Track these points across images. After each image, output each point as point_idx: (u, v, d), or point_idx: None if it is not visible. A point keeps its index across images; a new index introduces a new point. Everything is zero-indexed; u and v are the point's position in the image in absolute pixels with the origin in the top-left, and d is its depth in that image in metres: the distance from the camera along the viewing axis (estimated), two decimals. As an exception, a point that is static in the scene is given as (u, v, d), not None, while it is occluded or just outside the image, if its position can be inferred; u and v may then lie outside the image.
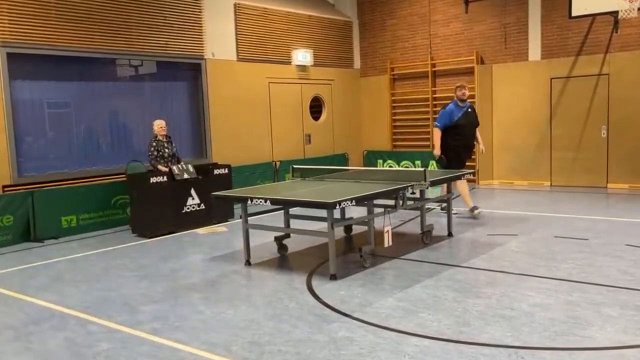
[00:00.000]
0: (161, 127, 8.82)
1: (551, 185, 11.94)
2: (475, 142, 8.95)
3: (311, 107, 13.41)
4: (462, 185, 8.78)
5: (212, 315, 4.85)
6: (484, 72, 12.52)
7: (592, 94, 11.35)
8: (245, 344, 4.19)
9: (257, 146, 12.04)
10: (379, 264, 6.23)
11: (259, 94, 12.06)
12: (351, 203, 5.65)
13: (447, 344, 4.04)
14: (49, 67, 9.09)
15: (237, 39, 11.59)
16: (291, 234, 7.02)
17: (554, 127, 11.84)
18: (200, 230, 8.63)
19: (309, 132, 13.31)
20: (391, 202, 6.45)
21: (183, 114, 11.01)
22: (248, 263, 6.48)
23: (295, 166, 8.06)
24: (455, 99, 8.80)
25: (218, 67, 11.23)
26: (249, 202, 6.04)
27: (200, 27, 10.91)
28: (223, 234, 8.37)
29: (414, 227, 8.05)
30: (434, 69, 13.35)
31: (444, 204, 8.71)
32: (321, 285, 5.55)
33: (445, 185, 8.17)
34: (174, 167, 8.65)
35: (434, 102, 13.41)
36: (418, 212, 7.64)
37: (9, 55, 8.44)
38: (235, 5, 11.53)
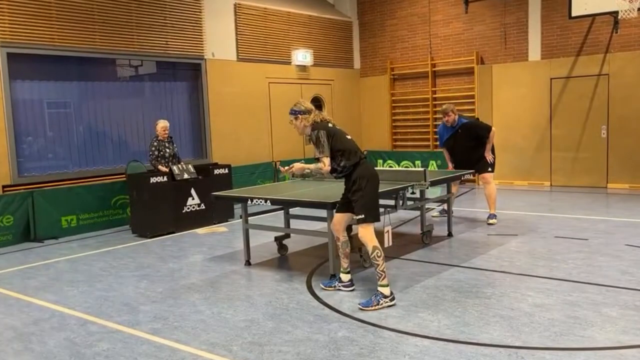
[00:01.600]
0: (164, 129, 8.80)
1: (551, 185, 11.94)
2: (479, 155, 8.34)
3: (311, 107, 13.39)
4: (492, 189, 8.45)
5: (212, 315, 4.85)
6: (484, 72, 12.52)
7: (592, 94, 11.35)
8: (245, 344, 4.19)
9: (257, 146, 12.04)
10: (379, 264, 6.22)
11: (259, 94, 12.06)
12: (351, 203, 5.64)
13: (447, 344, 4.04)
14: (49, 67, 9.09)
15: (237, 39, 11.59)
16: (291, 234, 7.02)
17: (554, 127, 11.84)
18: (200, 230, 8.63)
19: (309, 132, 13.29)
20: (391, 202, 6.45)
21: (183, 114, 11.01)
22: (248, 263, 6.48)
23: (295, 166, 8.04)
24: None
25: (218, 67, 11.23)
26: (249, 202, 6.04)
27: (200, 27, 10.91)
28: (223, 234, 8.37)
29: (414, 227, 8.05)
30: (434, 69, 13.35)
31: (440, 209, 8.69)
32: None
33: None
34: (174, 167, 8.65)
35: (434, 102, 13.42)
36: (418, 212, 7.64)
37: (9, 55, 8.44)
38: (235, 5, 11.53)
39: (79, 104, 9.50)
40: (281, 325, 4.54)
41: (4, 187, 8.37)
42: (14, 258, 7.37)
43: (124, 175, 9.28)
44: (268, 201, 5.95)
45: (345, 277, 5.37)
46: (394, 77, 14.06)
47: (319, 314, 4.75)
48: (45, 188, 8.63)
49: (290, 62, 12.73)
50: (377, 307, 4.76)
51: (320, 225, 6.66)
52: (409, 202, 6.73)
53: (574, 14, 10.64)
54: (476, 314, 4.59)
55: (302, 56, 12.76)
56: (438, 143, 8.90)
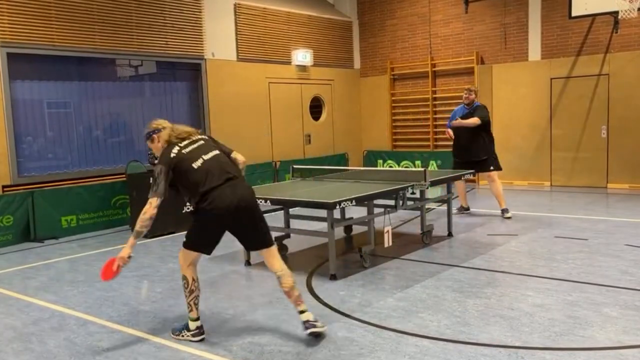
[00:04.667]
0: None
1: (551, 185, 11.94)
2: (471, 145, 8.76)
3: (311, 107, 13.42)
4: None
5: (212, 315, 4.85)
6: (484, 72, 12.52)
7: (592, 94, 11.35)
8: (245, 344, 4.19)
9: (257, 146, 12.04)
10: (379, 264, 6.23)
11: (259, 94, 12.06)
12: (351, 203, 5.65)
13: (447, 344, 4.04)
14: (49, 67, 9.09)
15: (237, 39, 11.59)
16: (291, 234, 7.02)
17: (554, 127, 11.84)
18: (200, 230, 8.60)
19: (309, 132, 13.31)
20: (391, 202, 6.45)
21: (183, 114, 11.00)
22: (248, 263, 6.48)
23: (295, 166, 8.06)
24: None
25: (218, 67, 11.22)
26: (249, 202, 6.02)
27: (200, 27, 10.91)
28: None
29: (414, 227, 8.05)
30: (434, 69, 13.35)
31: (459, 205, 9.02)
32: (321, 285, 5.55)
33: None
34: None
35: (434, 102, 13.42)
36: (418, 212, 7.63)
37: (9, 55, 8.44)
38: (235, 5, 11.53)
39: (79, 104, 9.50)
40: (281, 325, 4.54)
41: (4, 187, 8.36)
42: (14, 258, 7.37)
43: (124, 175, 9.27)
44: (268, 201, 5.94)
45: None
46: (394, 77, 14.06)
47: (319, 314, 4.74)
48: (45, 188, 8.63)
49: (290, 62, 12.73)
50: (178, 336, 4.32)
51: (320, 225, 6.66)
52: (409, 202, 6.73)
53: (574, 14, 10.64)
54: (476, 314, 4.59)
55: (302, 56, 12.76)
56: (447, 123, 9.24)
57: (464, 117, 8.83)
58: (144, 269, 6.51)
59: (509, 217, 8.52)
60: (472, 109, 8.81)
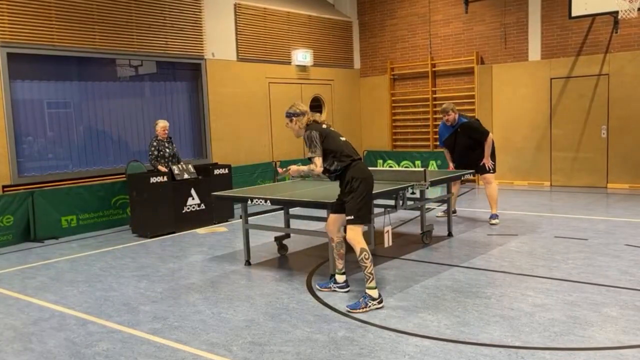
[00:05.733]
0: (164, 129, 8.81)
1: (551, 185, 11.94)
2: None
3: (311, 107, 13.40)
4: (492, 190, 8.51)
5: (212, 315, 4.85)
6: (484, 72, 12.52)
7: (592, 94, 11.35)
8: (245, 344, 4.19)
9: (257, 146, 12.04)
10: (379, 264, 6.22)
11: (259, 94, 12.06)
12: (351, 203, 5.64)
13: (447, 344, 4.04)
14: (49, 67, 9.09)
15: (237, 39, 11.59)
16: (291, 234, 7.02)
17: (554, 127, 11.84)
18: (200, 230, 8.62)
19: (309, 132, 13.29)
20: (391, 202, 6.45)
21: (183, 114, 11.01)
22: (248, 263, 6.48)
23: (295, 166, 8.04)
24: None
25: (218, 67, 11.23)
26: (249, 202, 6.04)
27: (200, 27, 10.91)
28: (223, 234, 8.37)
29: (414, 227, 8.05)
30: (434, 69, 13.35)
31: (444, 208, 8.78)
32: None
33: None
34: (174, 167, 8.65)
35: (434, 102, 13.41)
36: (418, 212, 7.63)
37: (9, 55, 8.44)
38: (235, 5, 11.53)
39: (79, 104, 9.50)
40: (281, 325, 4.54)
41: (4, 187, 8.37)
42: (14, 258, 7.37)
43: (124, 175, 9.27)
44: (268, 201, 5.94)
45: (340, 278, 5.34)
46: (394, 77, 14.06)
47: (319, 314, 4.75)
48: (45, 188, 8.63)
49: (290, 62, 12.73)
50: (365, 309, 4.74)
51: (320, 225, 6.66)
52: (409, 202, 6.73)
53: (574, 14, 10.64)
54: (476, 314, 4.59)
55: (302, 56, 12.76)
56: (438, 143, 9.09)
57: (451, 135, 8.34)
58: (144, 269, 6.51)
59: (494, 224, 8.07)
60: (459, 126, 8.28)
